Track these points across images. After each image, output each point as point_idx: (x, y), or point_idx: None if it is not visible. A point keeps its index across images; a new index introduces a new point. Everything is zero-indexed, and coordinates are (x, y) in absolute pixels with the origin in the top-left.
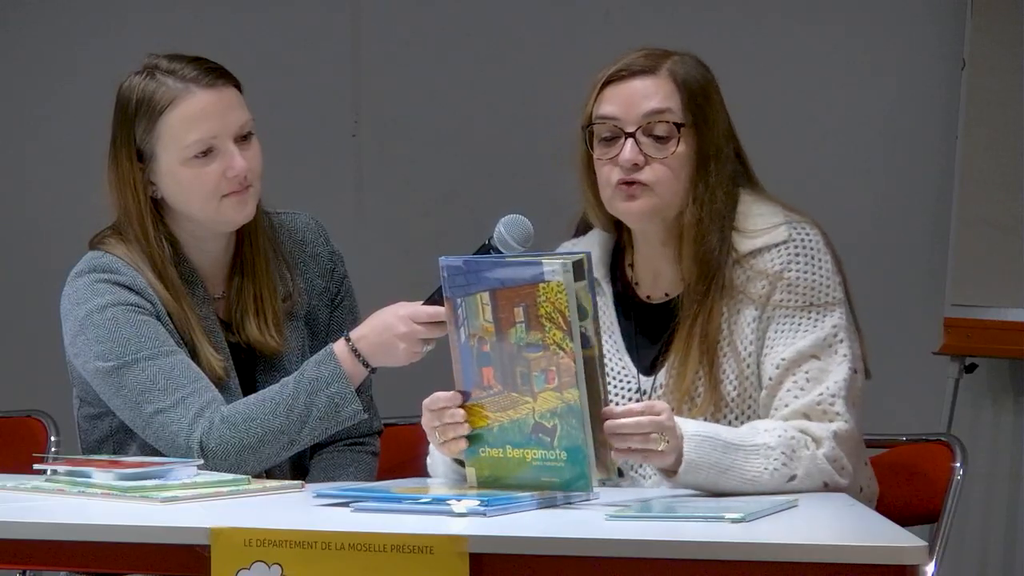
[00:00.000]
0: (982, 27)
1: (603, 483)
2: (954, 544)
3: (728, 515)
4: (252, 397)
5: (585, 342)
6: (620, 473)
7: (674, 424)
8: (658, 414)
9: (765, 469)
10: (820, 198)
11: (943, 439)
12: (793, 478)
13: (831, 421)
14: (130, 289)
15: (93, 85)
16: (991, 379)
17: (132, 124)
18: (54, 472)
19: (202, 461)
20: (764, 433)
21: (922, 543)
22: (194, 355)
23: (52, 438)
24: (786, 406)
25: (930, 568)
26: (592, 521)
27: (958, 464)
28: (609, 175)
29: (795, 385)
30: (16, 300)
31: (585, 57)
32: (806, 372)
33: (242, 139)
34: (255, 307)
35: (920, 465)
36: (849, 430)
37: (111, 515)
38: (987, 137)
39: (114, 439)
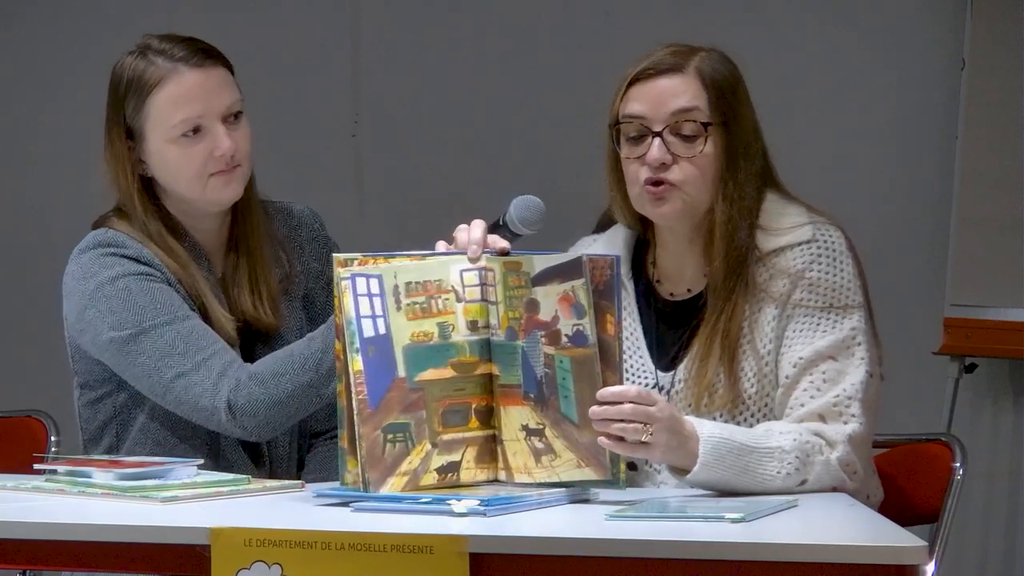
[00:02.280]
0: (982, 27)
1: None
2: (954, 544)
3: (728, 515)
4: (278, 353)
5: (581, 340)
6: (632, 466)
7: (667, 417)
8: (651, 404)
9: (778, 473)
10: (820, 198)
11: (943, 439)
12: (804, 482)
13: (846, 423)
14: (138, 261)
15: (91, 85)
16: (991, 379)
17: (123, 103)
18: (54, 472)
19: (227, 421)
20: (779, 436)
21: (922, 543)
22: (206, 318)
23: (52, 438)
24: (802, 406)
25: (930, 568)
26: (592, 521)
27: (958, 464)
28: (637, 174)
29: (811, 385)
30: (16, 300)
31: (585, 56)
32: (823, 372)
33: (232, 119)
34: (250, 285)
35: (920, 465)
36: (863, 433)
37: (111, 515)
38: (987, 137)
39: (117, 421)
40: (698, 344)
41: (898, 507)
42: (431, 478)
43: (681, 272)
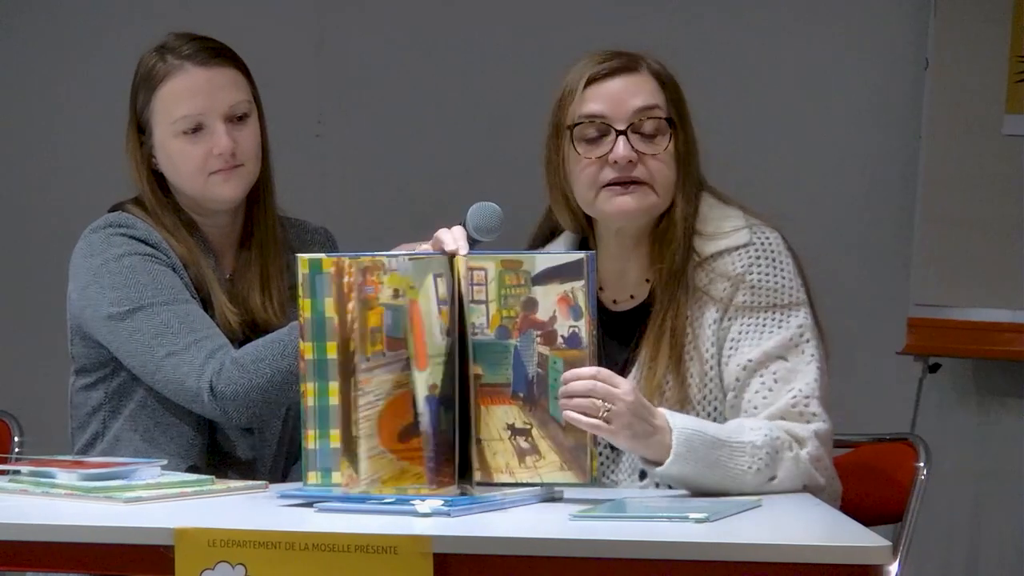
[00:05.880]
0: (945, 26)
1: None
2: (918, 544)
3: (692, 515)
4: (261, 340)
5: (576, 342)
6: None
7: (632, 401)
8: (615, 385)
9: (749, 468)
10: (784, 197)
11: (907, 438)
12: (773, 479)
13: (809, 422)
14: (145, 242)
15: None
16: (955, 379)
17: (136, 96)
18: (17, 472)
19: (209, 403)
20: (750, 431)
21: (886, 543)
22: (209, 309)
23: (16, 439)
24: (755, 408)
25: (894, 568)
26: (556, 521)
27: (922, 464)
28: (596, 175)
29: (763, 386)
30: None
31: (550, 58)
32: (774, 373)
33: (236, 119)
34: (260, 285)
35: (884, 465)
36: (828, 430)
37: (74, 516)
38: (951, 136)
39: (106, 408)
40: (646, 346)
41: (862, 507)
42: None
43: (623, 277)
